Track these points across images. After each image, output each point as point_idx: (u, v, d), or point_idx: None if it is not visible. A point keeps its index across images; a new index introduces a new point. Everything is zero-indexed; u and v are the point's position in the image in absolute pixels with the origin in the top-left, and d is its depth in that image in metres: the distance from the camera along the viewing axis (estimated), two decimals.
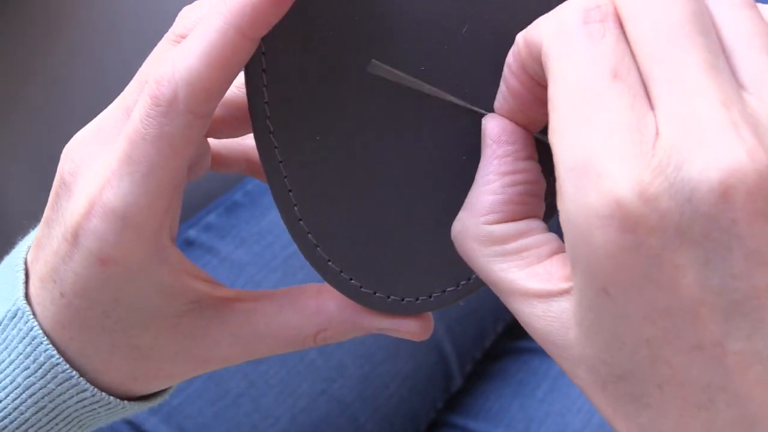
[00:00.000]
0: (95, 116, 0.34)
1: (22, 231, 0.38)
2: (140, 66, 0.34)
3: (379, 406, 0.64)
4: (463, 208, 0.31)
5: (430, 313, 0.36)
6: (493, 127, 0.31)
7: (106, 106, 0.34)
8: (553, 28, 0.27)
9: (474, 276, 0.35)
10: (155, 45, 0.34)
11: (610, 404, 0.28)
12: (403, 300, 0.35)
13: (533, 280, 0.29)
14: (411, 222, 0.34)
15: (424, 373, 0.65)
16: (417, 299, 0.35)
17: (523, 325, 0.30)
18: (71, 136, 0.34)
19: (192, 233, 0.66)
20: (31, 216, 0.37)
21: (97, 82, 0.64)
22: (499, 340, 0.71)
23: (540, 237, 0.30)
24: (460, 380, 0.68)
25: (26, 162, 0.64)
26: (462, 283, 0.35)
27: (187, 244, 0.65)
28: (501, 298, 0.31)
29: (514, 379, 0.67)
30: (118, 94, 0.34)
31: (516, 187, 0.30)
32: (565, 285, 0.28)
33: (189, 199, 0.69)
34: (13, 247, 0.36)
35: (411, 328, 0.35)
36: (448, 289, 0.35)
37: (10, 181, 0.64)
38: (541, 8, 0.30)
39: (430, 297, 0.35)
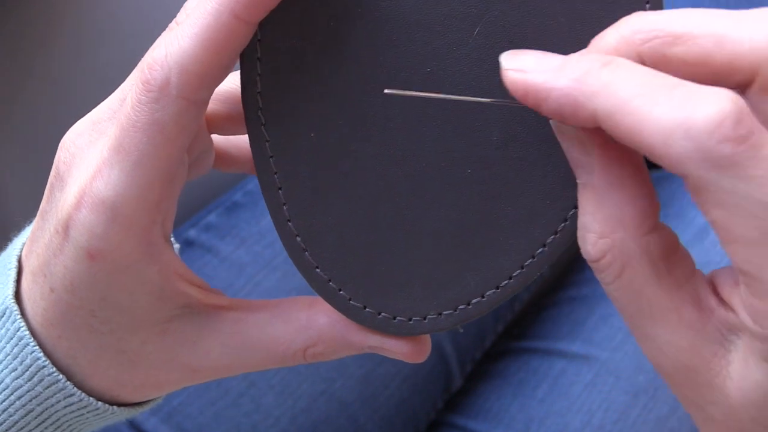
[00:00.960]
0: None
1: (18, 228, 0.37)
2: None
3: (379, 406, 0.63)
4: (586, 230, 0.28)
5: (427, 336, 0.34)
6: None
7: None
8: (689, 151, 0.24)
9: (474, 301, 0.32)
10: None
11: None
12: (394, 318, 0.33)
13: (687, 306, 0.27)
14: (407, 236, 0.32)
15: (424, 373, 0.65)
16: (410, 319, 0.33)
17: (654, 352, 0.28)
18: None
19: (192, 233, 0.66)
20: (31, 215, 0.37)
21: (98, 81, 0.64)
22: (499, 340, 0.70)
23: (683, 251, 0.28)
24: (460, 380, 0.68)
25: (26, 162, 0.64)
26: (460, 307, 0.32)
27: (187, 244, 0.65)
28: (631, 323, 0.28)
29: (514, 379, 0.67)
30: None
31: (649, 186, 0.28)
32: (725, 333, 0.27)
33: (189, 199, 0.69)
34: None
35: (402, 350, 0.33)
36: (445, 313, 0.32)
37: (10, 180, 0.64)
38: (557, 12, 0.29)
39: (425, 319, 0.33)
